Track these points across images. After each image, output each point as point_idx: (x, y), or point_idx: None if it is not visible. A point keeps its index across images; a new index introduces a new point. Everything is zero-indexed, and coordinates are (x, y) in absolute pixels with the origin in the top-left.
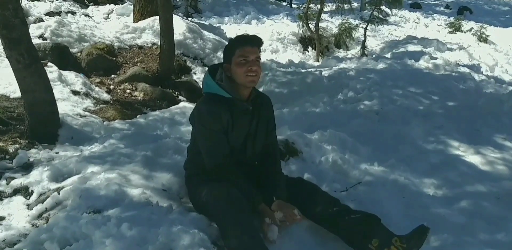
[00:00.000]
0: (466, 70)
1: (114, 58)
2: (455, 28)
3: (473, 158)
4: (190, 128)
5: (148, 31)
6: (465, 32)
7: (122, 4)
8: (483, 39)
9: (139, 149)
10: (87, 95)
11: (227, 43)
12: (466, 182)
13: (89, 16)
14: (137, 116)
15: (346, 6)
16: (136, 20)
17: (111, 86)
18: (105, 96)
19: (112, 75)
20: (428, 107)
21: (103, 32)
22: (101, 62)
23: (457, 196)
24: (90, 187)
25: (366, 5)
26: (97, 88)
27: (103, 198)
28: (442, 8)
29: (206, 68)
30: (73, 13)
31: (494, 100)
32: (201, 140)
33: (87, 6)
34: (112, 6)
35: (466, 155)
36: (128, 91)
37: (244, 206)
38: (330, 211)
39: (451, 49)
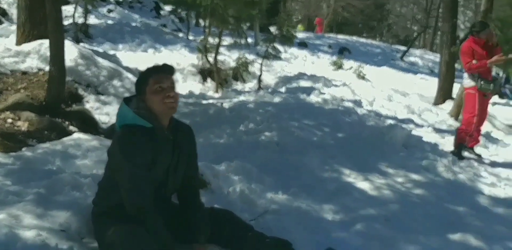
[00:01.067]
0: (350, 104)
1: None
2: (338, 66)
3: (363, 184)
4: (87, 161)
5: (33, 56)
6: (346, 70)
7: (0, 24)
8: (361, 76)
9: (30, 186)
10: None
11: (122, 71)
12: (359, 206)
13: None
14: (23, 149)
15: (243, 41)
16: (19, 43)
17: None
18: None
19: None
20: (321, 138)
21: None
22: None
23: (352, 220)
24: None
25: (260, 41)
26: None
27: None
28: (325, 48)
29: (101, 97)
30: None
31: (376, 132)
32: (123, 177)
33: None
34: None
35: (357, 182)
36: (9, 121)
37: (150, 246)
38: (246, 237)
39: (336, 85)
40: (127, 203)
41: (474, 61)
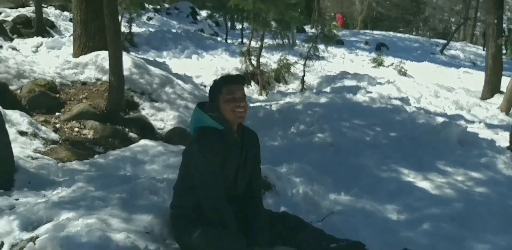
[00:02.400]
0: (398, 102)
1: (57, 95)
2: (378, 63)
3: (423, 184)
4: (155, 166)
5: (91, 67)
6: (387, 67)
7: (51, 37)
8: (402, 73)
9: (112, 191)
10: (35, 135)
11: (173, 78)
12: (422, 206)
13: (16, 49)
14: (95, 156)
15: (285, 42)
16: (76, 55)
17: (57, 125)
18: (53, 135)
19: (57, 113)
20: (374, 138)
21: (42, 67)
22: (44, 99)
23: (417, 219)
24: (69, 234)
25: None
26: (43, 128)
27: (87, 245)
28: (362, 45)
29: (155, 103)
30: None
31: (429, 130)
32: (200, 173)
33: (11, 39)
34: (40, 39)
35: (416, 181)
36: (76, 129)
37: (238, 247)
38: (318, 242)
39: (380, 83)
40: (204, 196)
41: None
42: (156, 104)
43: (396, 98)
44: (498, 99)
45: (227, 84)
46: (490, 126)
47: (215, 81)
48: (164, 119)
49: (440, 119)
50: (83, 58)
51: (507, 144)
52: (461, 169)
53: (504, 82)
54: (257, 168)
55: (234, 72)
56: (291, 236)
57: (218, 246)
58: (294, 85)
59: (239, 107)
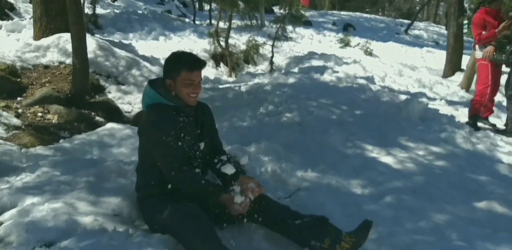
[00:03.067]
0: (364, 81)
1: (18, 79)
2: (345, 43)
3: (386, 159)
4: (123, 149)
5: (53, 50)
6: (353, 47)
7: (10, 19)
8: (368, 53)
9: (78, 175)
10: None
11: (139, 60)
12: (385, 180)
13: None
14: (60, 141)
15: (253, 23)
16: (37, 37)
17: (19, 110)
18: (15, 121)
19: (18, 98)
20: (340, 116)
21: (2, 51)
22: (4, 84)
23: (381, 193)
24: (35, 219)
25: (268, 22)
26: (4, 113)
27: (53, 229)
28: (330, 25)
29: (121, 86)
30: None
31: (393, 108)
32: (157, 147)
33: None
34: None
35: (380, 157)
36: (39, 114)
37: (207, 222)
38: (283, 218)
39: (347, 63)
40: (165, 168)
41: (483, 32)
42: (123, 87)
43: (361, 78)
44: (458, 77)
45: (188, 69)
46: (450, 103)
47: (175, 58)
48: (131, 102)
49: (403, 97)
50: (45, 41)
51: (467, 120)
52: (422, 144)
53: (465, 60)
54: (216, 137)
55: (203, 54)
56: (258, 214)
57: (189, 223)
58: (263, 66)
59: (195, 93)
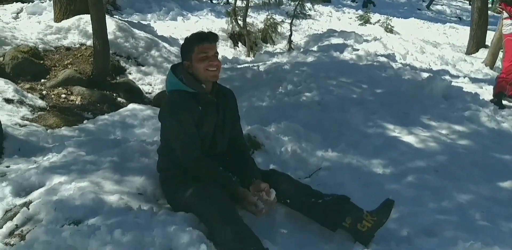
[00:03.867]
0: (384, 59)
1: (41, 62)
2: (365, 20)
3: (408, 138)
4: (144, 129)
5: (74, 31)
6: (373, 24)
7: (30, 2)
8: (389, 29)
9: (103, 155)
10: (21, 103)
11: (158, 41)
12: (407, 159)
13: None
14: (84, 121)
15: (271, 1)
16: (58, 19)
17: (44, 92)
18: (40, 102)
19: (42, 80)
20: (360, 95)
21: (24, 33)
22: (28, 66)
23: (402, 172)
24: (63, 198)
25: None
26: (29, 95)
27: (81, 207)
28: (349, 2)
29: (141, 67)
30: None
31: (415, 86)
32: (175, 135)
33: None
34: (19, 4)
35: (401, 136)
36: (63, 96)
37: (228, 202)
38: (304, 197)
39: (367, 41)
40: (182, 158)
41: None
42: (143, 68)
43: (382, 55)
44: (483, 53)
45: (199, 43)
46: (474, 80)
47: (186, 39)
48: (151, 83)
49: (425, 74)
50: (65, 23)
51: (491, 97)
52: (445, 123)
53: (489, 36)
54: (237, 125)
55: (221, 34)
56: (279, 193)
57: (212, 204)
58: (282, 45)
59: (212, 66)
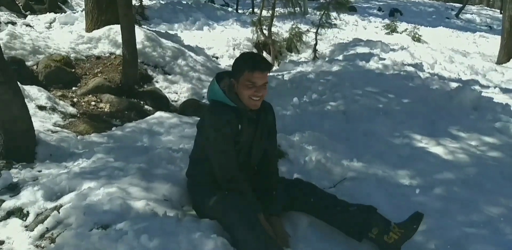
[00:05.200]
0: (412, 69)
1: (73, 70)
2: (392, 29)
3: (436, 149)
4: (171, 137)
5: (104, 41)
6: (400, 33)
7: (63, 12)
8: (416, 39)
9: (131, 161)
10: (53, 110)
11: (185, 50)
12: (435, 171)
13: (30, 26)
14: (113, 128)
15: (297, 10)
16: (89, 29)
17: (75, 99)
18: (71, 110)
19: (73, 88)
20: (387, 105)
21: (57, 43)
22: (60, 74)
23: (430, 184)
24: (92, 203)
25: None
26: (61, 102)
27: (109, 212)
28: (375, 11)
29: (168, 76)
30: (13, 23)
31: (443, 96)
32: (214, 149)
33: (25, 16)
34: (53, 14)
35: (429, 147)
36: (93, 103)
37: (251, 211)
38: (330, 206)
39: (394, 50)
40: (219, 172)
41: None
42: (170, 77)
43: (409, 65)
44: None
45: (250, 69)
46: (505, 91)
47: (240, 57)
48: (177, 91)
49: (454, 84)
50: (96, 33)
51: None
52: (474, 134)
53: None
54: (273, 140)
55: (246, 43)
56: (304, 202)
57: (235, 212)
58: (306, 54)
59: (256, 96)
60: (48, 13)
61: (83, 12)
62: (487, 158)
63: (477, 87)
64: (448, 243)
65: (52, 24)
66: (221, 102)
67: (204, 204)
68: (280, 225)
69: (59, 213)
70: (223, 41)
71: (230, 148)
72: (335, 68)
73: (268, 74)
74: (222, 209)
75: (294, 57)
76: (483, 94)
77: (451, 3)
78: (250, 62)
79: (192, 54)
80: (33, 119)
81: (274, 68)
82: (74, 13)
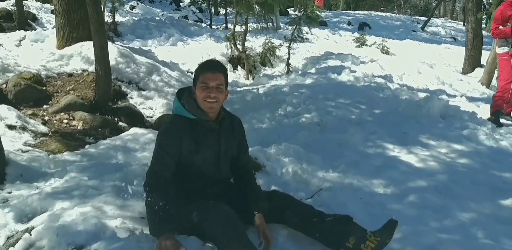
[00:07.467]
0: (382, 80)
1: (44, 88)
2: (361, 42)
3: (408, 157)
4: (146, 153)
5: (76, 58)
6: (370, 46)
7: (33, 30)
8: (385, 51)
9: (105, 179)
10: (23, 128)
11: (159, 66)
12: (407, 179)
13: None
14: (86, 146)
15: (269, 25)
16: (60, 46)
17: (46, 118)
18: (42, 128)
19: (44, 106)
20: (359, 115)
21: (27, 61)
22: (30, 92)
23: (403, 192)
24: (65, 223)
25: (283, 24)
26: (32, 121)
27: (83, 233)
28: (345, 25)
29: (142, 92)
30: None
31: (412, 106)
32: (155, 149)
33: None
34: (22, 32)
35: (401, 155)
36: (65, 121)
37: (234, 219)
38: (307, 217)
39: (364, 62)
40: (147, 177)
41: (500, 27)
42: (144, 92)
43: (379, 77)
44: (478, 73)
45: (203, 71)
46: (471, 99)
47: (199, 64)
48: (152, 107)
49: (422, 94)
50: (68, 50)
51: (489, 116)
52: (444, 142)
53: (484, 56)
54: (245, 153)
55: (220, 58)
56: (282, 213)
57: (218, 220)
58: (280, 68)
59: (209, 98)
60: (17, 30)
61: (54, 29)
62: (457, 164)
63: (444, 96)
64: (423, 248)
65: (22, 42)
66: (178, 116)
67: (183, 218)
68: (265, 226)
69: (30, 235)
70: (198, 56)
71: (165, 163)
72: (308, 81)
73: (222, 77)
74: (204, 219)
75: (268, 71)
76: (450, 103)
77: (416, 17)
78: (202, 65)
79: (167, 69)
80: (2, 139)
81: (249, 82)
82: (45, 30)
